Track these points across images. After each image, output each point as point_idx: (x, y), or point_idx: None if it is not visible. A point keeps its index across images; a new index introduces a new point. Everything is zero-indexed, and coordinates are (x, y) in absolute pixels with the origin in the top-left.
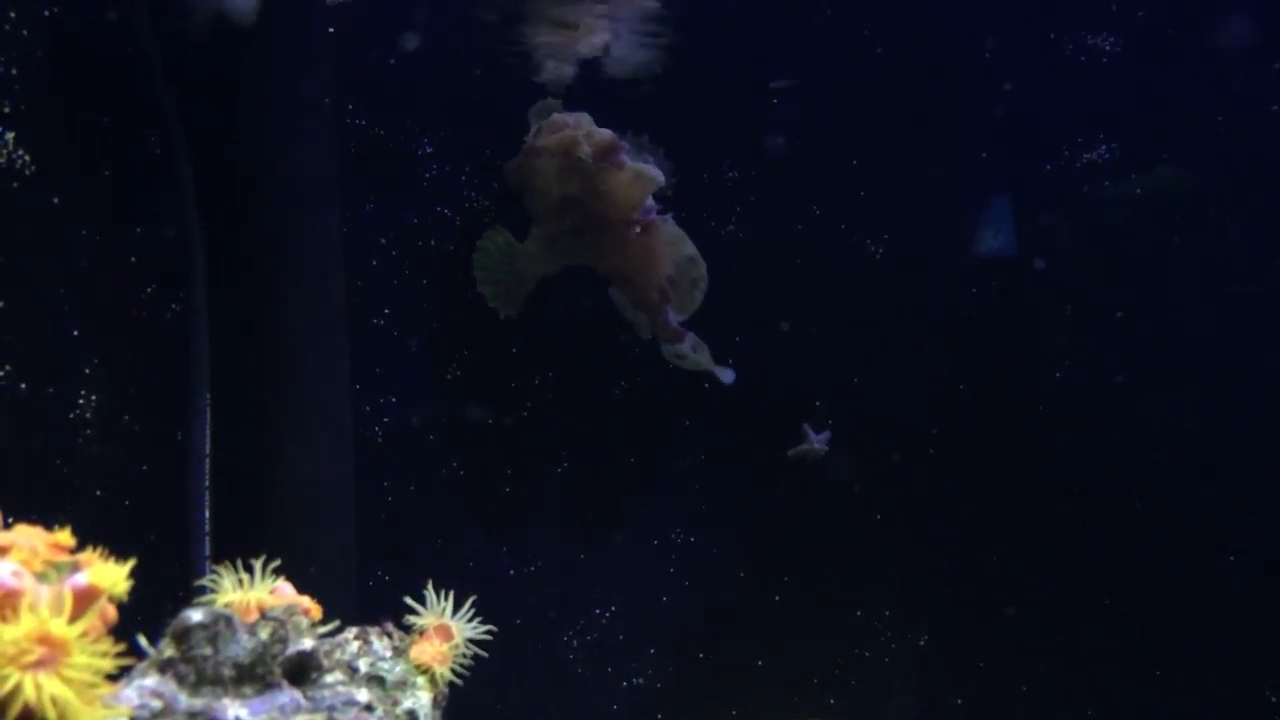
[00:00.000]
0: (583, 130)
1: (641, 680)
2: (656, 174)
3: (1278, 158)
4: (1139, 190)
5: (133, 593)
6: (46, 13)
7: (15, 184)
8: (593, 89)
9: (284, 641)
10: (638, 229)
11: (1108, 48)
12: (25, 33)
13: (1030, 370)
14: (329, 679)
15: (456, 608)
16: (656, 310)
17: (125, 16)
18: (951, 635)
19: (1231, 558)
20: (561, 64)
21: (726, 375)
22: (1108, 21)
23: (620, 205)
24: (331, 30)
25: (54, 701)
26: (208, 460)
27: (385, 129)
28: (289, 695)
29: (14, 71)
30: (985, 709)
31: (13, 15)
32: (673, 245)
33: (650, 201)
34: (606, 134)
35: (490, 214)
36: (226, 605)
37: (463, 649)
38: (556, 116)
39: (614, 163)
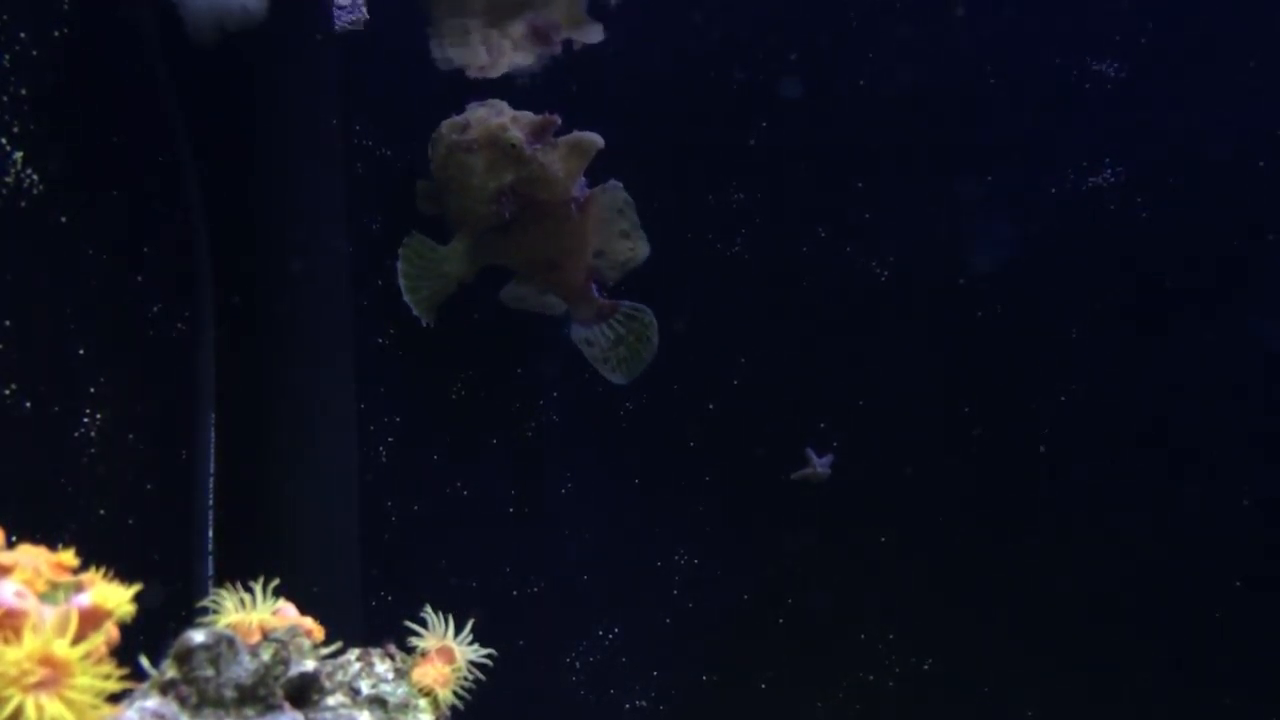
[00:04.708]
0: (507, 115)
1: (644, 703)
2: (594, 139)
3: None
4: (1145, 215)
5: (135, 613)
6: (57, 33)
7: (23, 203)
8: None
9: (286, 663)
10: (575, 206)
11: (1112, 74)
12: (35, 52)
13: (1036, 392)
14: (331, 701)
15: (459, 629)
16: (581, 290)
17: (136, 36)
18: (956, 660)
19: (1238, 583)
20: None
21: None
22: (1112, 48)
23: (560, 184)
24: (339, 52)
25: None
26: (211, 480)
27: (392, 150)
28: (291, 717)
29: (24, 91)
30: None
31: (23, 36)
32: (608, 220)
33: (583, 179)
34: (530, 115)
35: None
36: (229, 626)
37: (465, 671)
38: (475, 110)
39: (547, 141)
